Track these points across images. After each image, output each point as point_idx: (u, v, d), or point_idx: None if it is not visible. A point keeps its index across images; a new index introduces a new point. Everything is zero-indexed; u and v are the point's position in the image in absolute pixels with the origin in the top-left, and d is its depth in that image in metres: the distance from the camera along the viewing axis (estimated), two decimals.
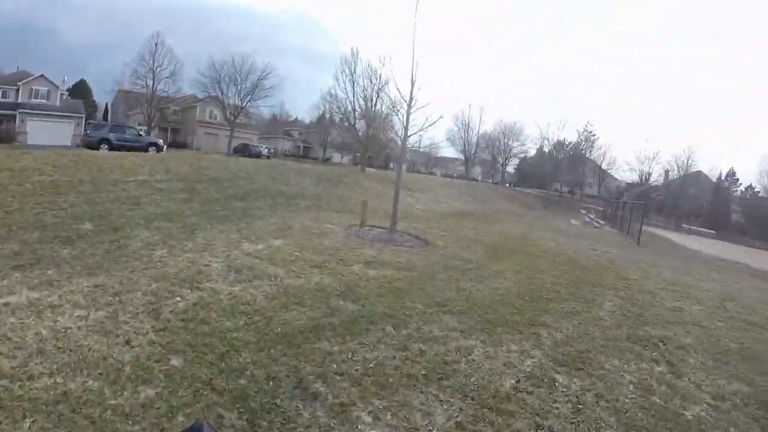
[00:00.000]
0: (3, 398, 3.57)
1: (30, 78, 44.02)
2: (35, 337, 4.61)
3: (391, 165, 61.95)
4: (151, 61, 46.72)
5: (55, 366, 4.10)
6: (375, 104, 34.40)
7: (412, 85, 11.86)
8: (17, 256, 7.27)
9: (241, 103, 49.90)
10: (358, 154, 47.52)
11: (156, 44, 47.11)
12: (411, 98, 11.94)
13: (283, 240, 9.26)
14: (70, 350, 4.40)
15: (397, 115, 13.53)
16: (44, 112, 42.81)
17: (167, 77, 47.65)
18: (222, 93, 49.65)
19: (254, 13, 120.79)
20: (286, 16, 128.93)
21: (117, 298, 5.74)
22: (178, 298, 5.85)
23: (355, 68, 35.72)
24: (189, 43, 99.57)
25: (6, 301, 5.43)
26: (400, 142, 15.37)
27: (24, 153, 16.30)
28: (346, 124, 43.50)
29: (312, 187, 19.04)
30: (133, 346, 4.58)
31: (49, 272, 6.62)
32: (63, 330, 4.81)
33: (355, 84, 35.85)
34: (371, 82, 33.93)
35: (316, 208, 14.67)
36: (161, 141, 31.69)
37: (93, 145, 25.09)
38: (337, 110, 41.75)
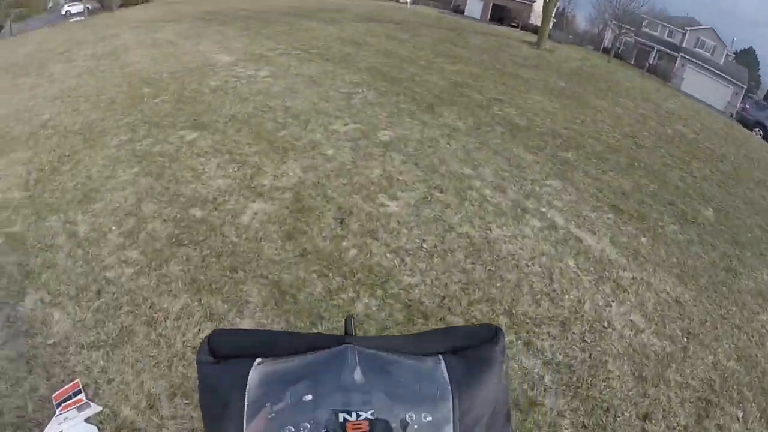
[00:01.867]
0: None
1: (698, 27, 45.06)
2: None
3: None
4: None
5: None
6: None
7: None
8: (624, 197, 6.69)
9: None
10: None
11: None
12: None
13: None
14: None
15: None
16: (705, 66, 42.82)
17: None
18: None
19: None
20: None
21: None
22: None
23: None
24: None
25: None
26: None
27: (674, 96, 16.10)
28: None
29: None
30: None
31: (643, 239, 5.63)
32: None
33: None
34: None
35: None
36: None
37: (747, 124, 23.80)
38: None
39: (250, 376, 0.73)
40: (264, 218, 5.14)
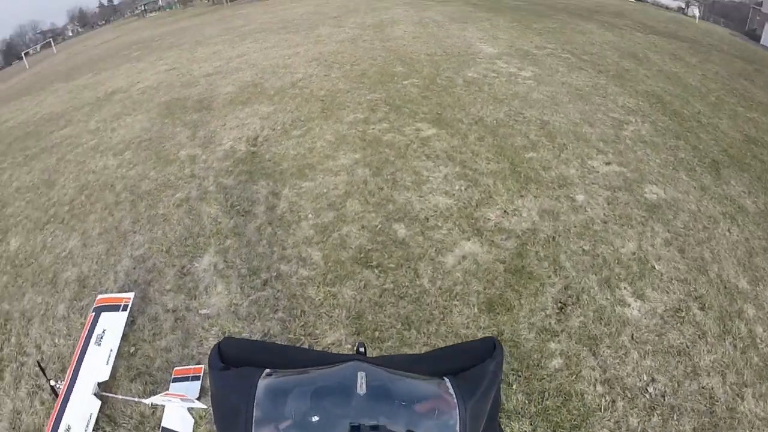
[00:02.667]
0: None
1: None
2: None
3: None
4: None
5: None
6: None
7: None
8: None
9: None
10: None
11: None
12: None
13: None
14: None
15: None
16: None
17: None
18: None
19: None
20: None
21: None
22: None
23: None
24: None
25: None
26: None
27: None
28: None
29: None
30: None
31: None
32: None
33: None
34: None
35: None
36: None
37: None
38: None
39: (258, 385, 0.71)
40: (471, 268, 4.16)
